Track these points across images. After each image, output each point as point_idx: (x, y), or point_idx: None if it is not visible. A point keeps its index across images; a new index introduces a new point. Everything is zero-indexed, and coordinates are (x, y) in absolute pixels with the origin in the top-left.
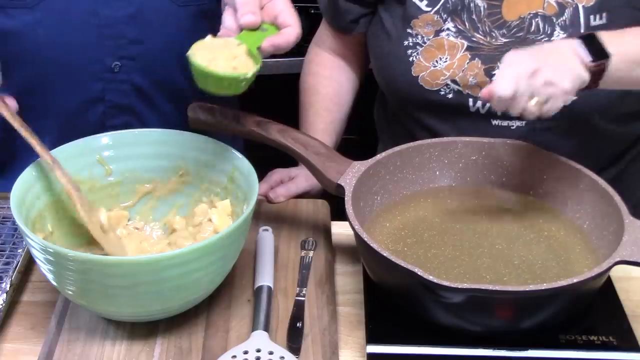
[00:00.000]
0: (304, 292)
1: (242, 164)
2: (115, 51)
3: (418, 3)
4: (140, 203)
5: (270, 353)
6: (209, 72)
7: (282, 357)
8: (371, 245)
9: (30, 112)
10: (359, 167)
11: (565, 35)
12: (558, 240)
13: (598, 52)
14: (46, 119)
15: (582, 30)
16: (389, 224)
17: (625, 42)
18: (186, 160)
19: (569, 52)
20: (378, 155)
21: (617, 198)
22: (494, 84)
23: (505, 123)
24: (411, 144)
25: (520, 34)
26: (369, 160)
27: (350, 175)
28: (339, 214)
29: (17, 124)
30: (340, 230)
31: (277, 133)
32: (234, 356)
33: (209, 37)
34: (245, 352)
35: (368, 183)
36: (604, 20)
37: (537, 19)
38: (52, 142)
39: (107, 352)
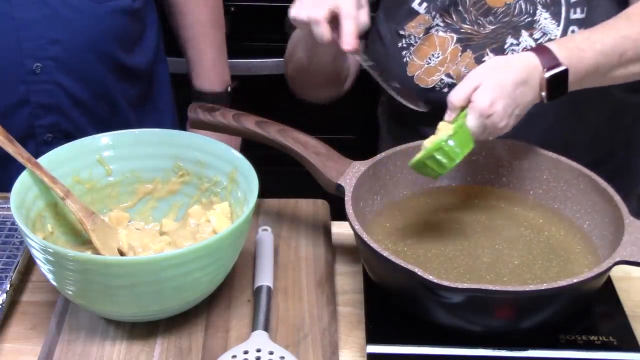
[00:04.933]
0: None
1: (242, 164)
2: (35, 52)
3: (417, 7)
4: (140, 203)
5: (271, 353)
6: (420, 158)
7: (282, 357)
8: (371, 245)
9: None
10: (359, 167)
11: (547, 13)
12: (558, 240)
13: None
14: None
15: (562, 8)
16: (389, 224)
17: (582, 47)
18: (186, 160)
19: (530, 76)
20: (378, 155)
21: (617, 198)
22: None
23: None
24: (411, 143)
25: (507, 19)
26: (369, 160)
27: (350, 175)
28: (339, 214)
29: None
30: (340, 230)
31: (277, 133)
32: (234, 356)
33: None
34: (245, 352)
35: (368, 183)
36: None
37: (520, 1)
38: None
39: (107, 352)
